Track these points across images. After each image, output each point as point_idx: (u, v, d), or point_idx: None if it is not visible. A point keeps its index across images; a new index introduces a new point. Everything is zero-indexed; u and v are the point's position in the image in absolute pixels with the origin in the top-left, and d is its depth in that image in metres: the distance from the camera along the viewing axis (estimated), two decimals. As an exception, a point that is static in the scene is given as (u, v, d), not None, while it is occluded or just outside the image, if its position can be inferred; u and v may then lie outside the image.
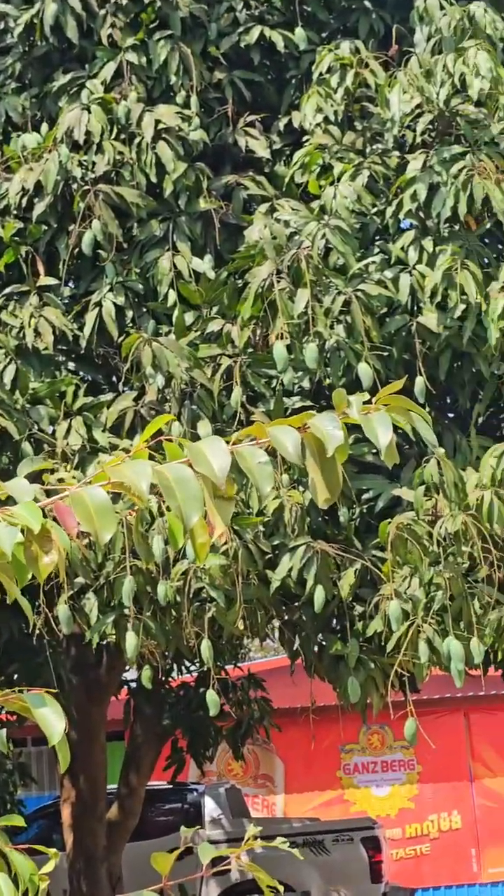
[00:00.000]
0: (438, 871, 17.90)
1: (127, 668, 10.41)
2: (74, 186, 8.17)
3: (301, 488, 7.47)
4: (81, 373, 8.56)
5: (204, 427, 7.46)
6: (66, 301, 8.40)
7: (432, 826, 18.09)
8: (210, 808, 13.76)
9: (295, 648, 8.15)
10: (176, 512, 2.27)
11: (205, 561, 7.10)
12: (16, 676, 10.02)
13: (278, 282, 7.45)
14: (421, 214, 7.82)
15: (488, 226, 7.87)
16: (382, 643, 7.32)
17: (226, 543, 7.21)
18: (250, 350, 7.74)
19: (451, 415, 8.60)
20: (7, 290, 8.19)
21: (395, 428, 2.44)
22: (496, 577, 7.22)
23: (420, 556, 7.08)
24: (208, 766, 14.14)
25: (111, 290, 8.04)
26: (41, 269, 8.17)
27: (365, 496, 7.79)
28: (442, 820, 18.10)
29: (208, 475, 2.27)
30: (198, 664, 10.18)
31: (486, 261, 7.77)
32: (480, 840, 18.04)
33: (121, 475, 2.27)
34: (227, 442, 2.33)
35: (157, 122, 8.13)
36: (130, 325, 8.15)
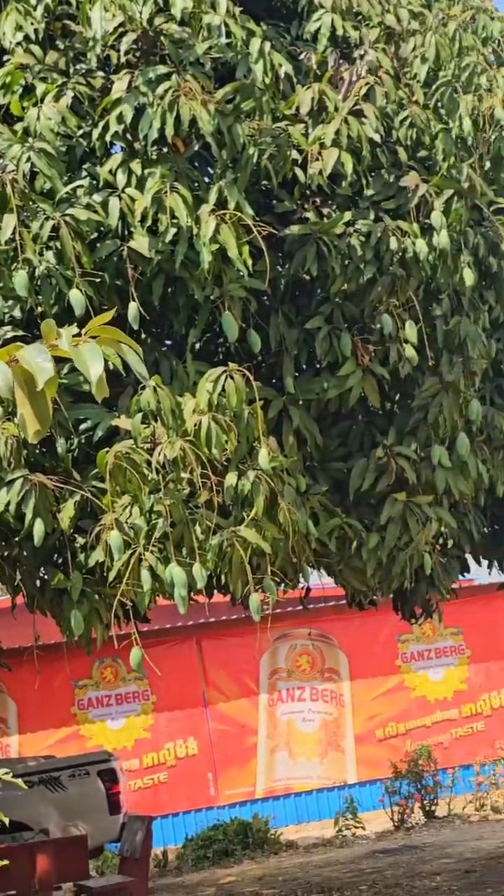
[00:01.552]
0: (176, 797, 18.14)
1: None
2: None
3: (15, 420, 7.27)
4: None
5: None
6: None
7: (169, 754, 18.28)
8: None
9: (16, 584, 7.99)
10: None
11: None
12: None
13: (-17, 208, 7.20)
14: (128, 136, 7.66)
15: (196, 148, 7.78)
16: (105, 574, 7.24)
17: None
18: (-43, 280, 7.47)
19: (167, 341, 8.51)
20: None
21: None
22: (216, 502, 7.23)
23: (139, 485, 7.02)
24: None
25: None
26: None
27: (83, 426, 7.67)
28: (178, 747, 18.32)
29: None
30: None
31: (195, 183, 7.68)
32: (217, 764, 18.36)
33: None
34: None
35: None
36: None
